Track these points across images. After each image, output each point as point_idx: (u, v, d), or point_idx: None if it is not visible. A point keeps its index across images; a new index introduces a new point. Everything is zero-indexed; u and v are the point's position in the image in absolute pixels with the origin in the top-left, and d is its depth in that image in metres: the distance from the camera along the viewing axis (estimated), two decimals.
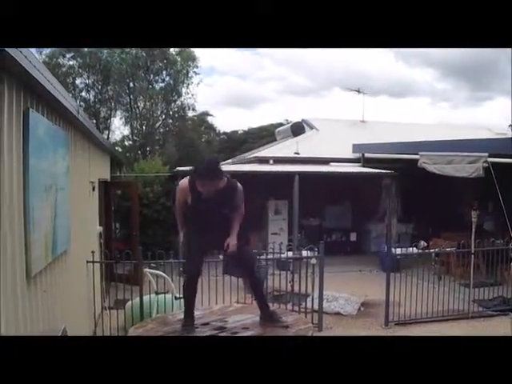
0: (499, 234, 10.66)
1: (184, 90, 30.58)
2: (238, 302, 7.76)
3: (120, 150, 29.70)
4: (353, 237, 17.50)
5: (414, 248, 10.72)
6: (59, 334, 3.67)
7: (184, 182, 4.93)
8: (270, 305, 7.41)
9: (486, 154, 10.03)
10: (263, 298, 5.26)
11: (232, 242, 4.84)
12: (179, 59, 30.03)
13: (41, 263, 4.36)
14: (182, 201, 4.93)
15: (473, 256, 9.90)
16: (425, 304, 9.27)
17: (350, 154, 17.04)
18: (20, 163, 3.80)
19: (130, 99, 30.04)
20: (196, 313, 5.14)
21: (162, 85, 30.83)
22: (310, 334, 4.88)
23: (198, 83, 31.11)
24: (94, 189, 8.97)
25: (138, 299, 7.99)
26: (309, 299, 9.22)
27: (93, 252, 7.80)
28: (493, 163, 9.75)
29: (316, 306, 8.98)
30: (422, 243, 12.04)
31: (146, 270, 8.34)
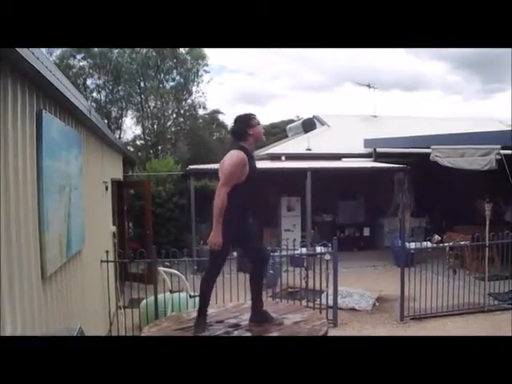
0: None
1: (194, 88, 30.67)
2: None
3: (132, 149, 29.77)
4: (366, 232, 17.45)
5: (428, 242, 10.67)
6: (75, 333, 3.70)
7: (240, 153, 4.68)
8: (284, 301, 7.43)
9: (499, 146, 9.97)
10: (260, 295, 5.11)
11: None
12: (189, 58, 30.08)
13: (56, 263, 4.39)
14: (237, 177, 4.61)
15: (487, 249, 9.85)
16: (440, 298, 9.23)
17: (361, 149, 16.98)
18: (34, 164, 3.82)
19: (141, 99, 30.14)
20: (211, 310, 5.15)
21: (172, 84, 30.93)
22: (324, 330, 4.87)
23: (209, 81, 31.20)
24: (106, 188, 9.01)
25: (152, 298, 8.01)
26: (323, 295, 9.21)
27: (107, 251, 7.84)
28: (505, 155, 9.69)
29: (331, 302, 8.97)
30: (436, 237, 11.99)
31: (160, 268, 8.37)
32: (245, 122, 4.83)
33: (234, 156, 4.66)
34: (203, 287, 4.96)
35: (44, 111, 4.09)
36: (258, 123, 4.87)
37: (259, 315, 4.93)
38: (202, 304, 4.91)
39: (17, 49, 2.94)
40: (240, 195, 4.63)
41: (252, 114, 4.91)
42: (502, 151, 9.88)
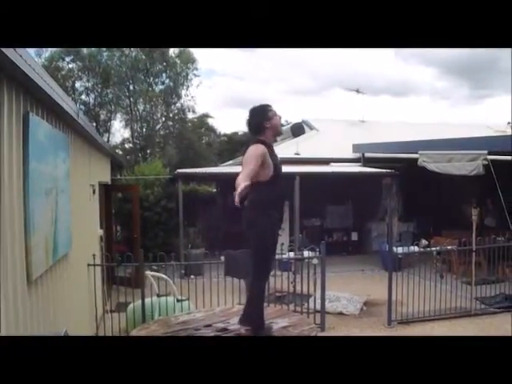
0: (500, 230, 10.63)
1: (184, 92, 30.75)
2: (240, 304, 7.75)
3: (120, 152, 29.71)
4: (354, 236, 17.49)
5: (416, 247, 10.71)
6: None
7: (258, 145, 4.36)
8: (272, 306, 7.42)
9: (486, 152, 10.02)
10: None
11: None
12: (179, 61, 30.10)
13: (41, 267, 4.35)
14: (257, 167, 4.21)
15: (474, 253, 9.90)
16: (427, 302, 9.26)
17: (350, 154, 17.03)
18: (20, 167, 3.80)
19: (130, 102, 30.12)
20: (198, 314, 5.14)
21: (161, 87, 30.98)
22: (313, 335, 4.86)
23: (198, 85, 31.33)
24: (94, 192, 8.97)
25: (139, 302, 7.97)
26: (311, 299, 9.21)
27: (94, 255, 7.79)
28: (492, 161, 9.75)
29: (318, 307, 8.97)
30: (423, 242, 12.02)
31: (148, 272, 8.33)
32: (260, 114, 4.55)
33: (254, 147, 4.35)
34: (257, 291, 4.66)
35: (31, 114, 4.07)
36: (275, 114, 4.58)
37: (250, 318, 4.86)
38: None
39: (4, 51, 2.92)
40: (270, 193, 4.39)
41: (268, 105, 4.63)
42: (489, 156, 9.94)
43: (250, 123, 4.58)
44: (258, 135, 4.48)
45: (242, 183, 3.91)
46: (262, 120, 4.49)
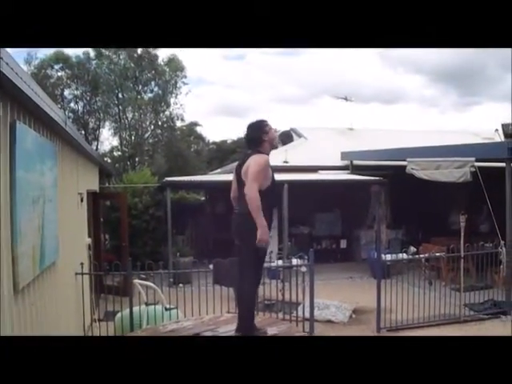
0: (493, 236, 10.67)
1: (173, 100, 30.76)
2: (228, 312, 7.74)
3: (109, 160, 29.67)
4: (343, 244, 17.50)
5: (404, 254, 10.74)
6: None
7: (263, 155, 4.75)
8: (261, 314, 7.40)
9: (473, 159, 10.09)
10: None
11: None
12: (167, 69, 30.13)
13: (28, 276, 4.32)
14: (263, 177, 4.67)
15: (462, 260, 9.94)
16: (416, 309, 9.27)
17: (338, 162, 17.09)
18: (7, 175, 3.77)
19: (119, 110, 30.08)
20: (187, 323, 5.12)
21: (150, 95, 30.98)
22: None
23: (187, 93, 31.34)
24: (82, 200, 8.92)
25: (127, 311, 7.93)
26: (300, 307, 9.20)
27: (82, 264, 7.75)
28: (480, 167, 9.81)
29: (307, 315, 8.96)
30: (412, 249, 12.06)
31: (136, 281, 8.30)
32: (258, 128, 4.85)
33: (258, 158, 4.68)
34: (247, 300, 4.77)
35: (18, 122, 4.05)
36: (271, 128, 4.89)
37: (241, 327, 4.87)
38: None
39: None
40: (264, 203, 4.53)
41: (264, 120, 4.94)
42: (477, 163, 10.00)
43: (248, 137, 4.93)
44: (257, 148, 4.79)
45: (253, 197, 4.43)
46: (260, 134, 4.81)
